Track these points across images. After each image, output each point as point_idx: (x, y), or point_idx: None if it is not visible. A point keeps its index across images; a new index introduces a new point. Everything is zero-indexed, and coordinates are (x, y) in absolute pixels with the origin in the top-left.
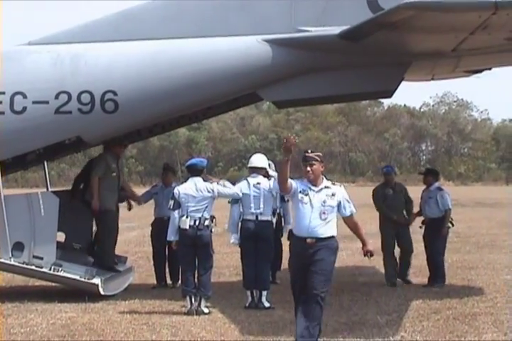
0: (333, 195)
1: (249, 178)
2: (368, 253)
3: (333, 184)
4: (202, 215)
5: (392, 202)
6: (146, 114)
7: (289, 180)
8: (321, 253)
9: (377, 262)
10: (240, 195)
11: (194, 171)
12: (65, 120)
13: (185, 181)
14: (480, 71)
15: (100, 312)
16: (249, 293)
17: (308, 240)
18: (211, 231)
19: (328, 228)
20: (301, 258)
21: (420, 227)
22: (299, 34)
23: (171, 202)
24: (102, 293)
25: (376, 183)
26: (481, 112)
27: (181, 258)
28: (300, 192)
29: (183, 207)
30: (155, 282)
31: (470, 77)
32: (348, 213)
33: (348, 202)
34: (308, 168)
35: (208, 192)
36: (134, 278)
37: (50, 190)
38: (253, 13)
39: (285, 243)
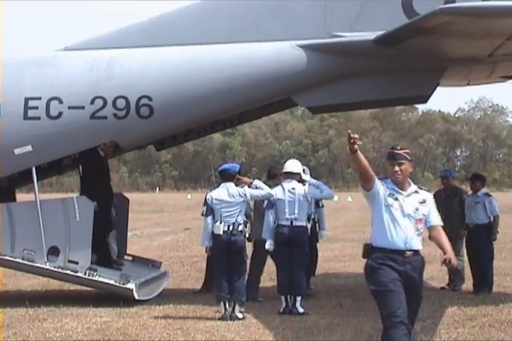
0: (424, 201)
1: (283, 183)
2: (447, 261)
3: (421, 188)
4: (236, 220)
5: (444, 207)
6: (180, 119)
7: (374, 175)
8: (417, 275)
9: None
10: (273, 194)
11: (226, 176)
12: (101, 125)
13: (218, 186)
14: None
15: (135, 317)
16: (283, 298)
17: (407, 254)
18: (245, 236)
19: (420, 240)
20: (399, 275)
21: (464, 234)
22: (333, 39)
23: (204, 208)
24: (137, 297)
25: None
26: None
27: (215, 263)
28: (389, 195)
29: (217, 212)
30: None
31: (506, 82)
32: (436, 222)
33: (436, 211)
34: (397, 168)
35: (241, 196)
36: (168, 283)
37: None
38: (287, 19)
39: (320, 248)
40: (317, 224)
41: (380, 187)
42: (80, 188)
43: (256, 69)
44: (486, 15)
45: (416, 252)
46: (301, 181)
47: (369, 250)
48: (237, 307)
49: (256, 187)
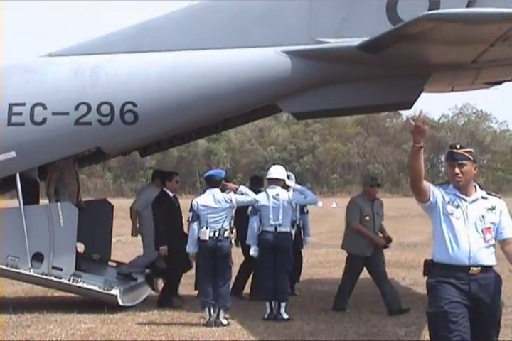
0: (493, 207)
1: (268, 190)
2: None
3: (489, 194)
4: (221, 226)
5: None
6: (165, 125)
7: (428, 183)
8: (489, 296)
9: (396, 273)
10: (259, 200)
11: (212, 182)
12: (85, 131)
13: (204, 192)
14: (500, 83)
15: (119, 323)
16: (267, 304)
17: (473, 270)
18: (231, 242)
19: (491, 253)
20: (460, 295)
21: None
22: (318, 46)
23: (190, 214)
24: (121, 303)
25: (394, 195)
26: (501, 124)
27: (200, 269)
28: (448, 202)
29: (203, 218)
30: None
31: (489, 88)
32: (509, 235)
33: (509, 220)
34: (457, 170)
35: (226, 202)
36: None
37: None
38: (272, 25)
39: (305, 254)
40: (302, 230)
41: (438, 195)
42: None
43: (241, 75)
44: (470, 21)
45: (486, 268)
46: (286, 187)
47: (429, 266)
48: (221, 313)
49: (242, 193)
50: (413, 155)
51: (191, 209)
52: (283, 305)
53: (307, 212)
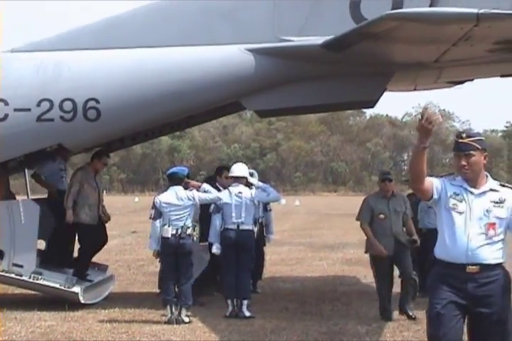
0: (501, 201)
1: (230, 187)
2: None
3: (503, 185)
4: (184, 224)
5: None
6: (128, 122)
7: (429, 179)
8: (491, 292)
9: (358, 272)
10: (221, 198)
11: (175, 180)
12: (47, 128)
13: (166, 190)
14: (462, 82)
15: (80, 321)
16: (229, 302)
17: (470, 268)
18: (193, 239)
19: (496, 250)
20: (457, 296)
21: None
22: (281, 44)
23: (152, 212)
24: (82, 301)
25: (358, 193)
26: (463, 123)
27: (163, 267)
28: (451, 196)
29: (165, 216)
30: None
31: (452, 87)
32: None
33: None
34: (463, 162)
35: (189, 200)
36: (114, 286)
37: (30, 197)
38: (236, 23)
39: (267, 251)
40: (265, 228)
41: (442, 189)
42: None
43: (205, 72)
44: (433, 21)
45: (487, 267)
46: (249, 185)
47: (431, 263)
48: (183, 311)
49: (204, 191)
50: (415, 155)
51: (154, 206)
52: (245, 302)
53: (270, 209)
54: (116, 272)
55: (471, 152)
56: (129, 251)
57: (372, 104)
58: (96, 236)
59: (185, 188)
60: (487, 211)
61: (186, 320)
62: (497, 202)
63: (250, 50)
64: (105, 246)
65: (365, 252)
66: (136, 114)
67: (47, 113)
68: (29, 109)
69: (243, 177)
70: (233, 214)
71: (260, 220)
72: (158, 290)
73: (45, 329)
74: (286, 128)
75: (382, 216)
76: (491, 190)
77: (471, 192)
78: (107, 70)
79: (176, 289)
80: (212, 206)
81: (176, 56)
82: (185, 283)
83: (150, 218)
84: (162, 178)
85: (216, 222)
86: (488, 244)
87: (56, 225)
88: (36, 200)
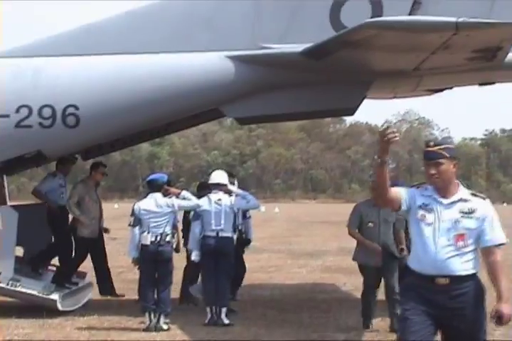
0: (470, 211)
1: (210, 195)
2: (496, 316)
3: (474, 195)
4: (163, 231)
5: None
6: (107, 128)
7: (396, 190)
8: (463, 304)
9: (337, 279)
10: (201, 205)
11: (154, 187)
12: (26, 134)
13: (145, 197)
14: (441, 90)
15: (58, 328)
16: (208, 309)
17: (439, 280)
18: (172, 246)
19: (466, 261)
20: (428, 306)
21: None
22: (261, 51)
23: (131, 219)
24: (60, 308)
25: (337, 200)
26: (442, 130)
27: (142, 274)
28: (420, 207)
29: (144, 223)
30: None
31: (431, 95)
32: (488, 243)
33: (494, 225)
34: (433, 170)
35: (169, 207)
36: (92, 293)
37: (8, 204)
38: (216, 30)
39: (247, 259)
40: (244, 235)
41: (411, 200)
42: None
43: (184, 79)
44: (412, 29)
45: (457, 278)
46: (228, 192)
47: (403, 271)
48: (162, 318)
49: (184, 198)
50: (375, 169)
51: (133, 213)
52: (223, 310)
53: (249, 217)
54: (95, 279)
55: (440, 160)
56: (108, 257)
57: (351, 112)
58: (94, 250)
59: (165, 195)
60: (455, 222)
61: (165, 327)
62: (466, 213)
63: (230, 57)
64: None
65: (353, 260)
66: (115, 121)
67: (25, 119)
68: (8, 115)
69: (223, 185)
70: (212, 222)
71: (240, 227)
72: (137, 298)
73: (23, 337)
74: (266, 135)
75: (371, 224)
76: (461, 199)
77: (441, 203)
78: (86, 77)
79: (155, 296)
80: (192, 213)
81: (155, 63)
82: (164, 290)
83: (129, 225)
84: (142, 185)
85: (196, 229)
86: (457, 255)
87: (59, 241)
88: (15, 207)
